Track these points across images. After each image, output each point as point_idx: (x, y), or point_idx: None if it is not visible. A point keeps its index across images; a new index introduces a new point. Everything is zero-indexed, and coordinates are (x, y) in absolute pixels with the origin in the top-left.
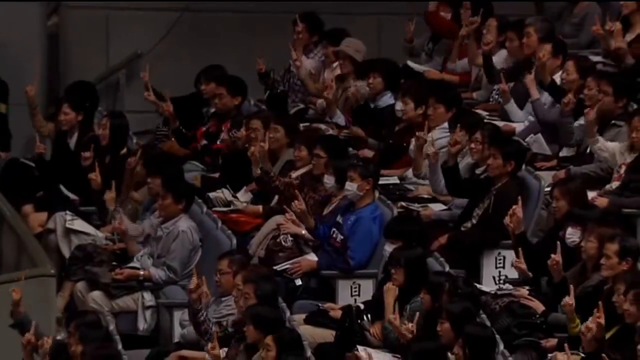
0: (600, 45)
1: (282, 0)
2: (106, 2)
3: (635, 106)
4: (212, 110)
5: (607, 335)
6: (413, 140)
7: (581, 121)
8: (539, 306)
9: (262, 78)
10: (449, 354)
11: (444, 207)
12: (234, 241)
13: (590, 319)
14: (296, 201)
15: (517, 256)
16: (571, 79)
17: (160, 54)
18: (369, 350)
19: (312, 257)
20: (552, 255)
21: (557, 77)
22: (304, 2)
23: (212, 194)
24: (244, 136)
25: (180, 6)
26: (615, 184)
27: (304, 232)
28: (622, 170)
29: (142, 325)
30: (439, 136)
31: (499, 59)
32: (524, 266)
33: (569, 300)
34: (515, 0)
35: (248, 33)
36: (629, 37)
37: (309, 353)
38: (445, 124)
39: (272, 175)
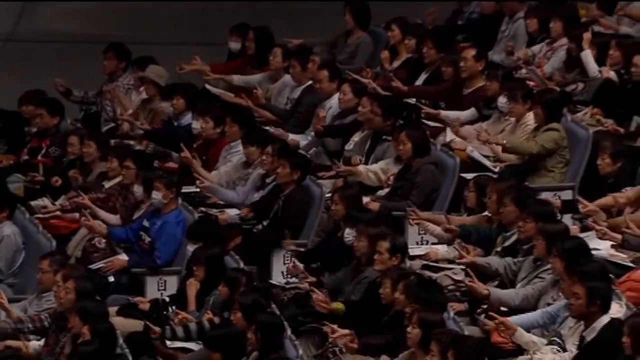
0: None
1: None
2: None
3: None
4: (34, 129)
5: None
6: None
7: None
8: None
9: (66, 96)
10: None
11: (238, 212)
12: (54, 243)
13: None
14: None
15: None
16: (347, 99)
17: None
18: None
19: (123, 257)
20: None
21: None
22: (115, 32)
23: (33, 202)
24: None
25: (4, 35)
26: (385, 191)
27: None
28: (391, 179)
29: None
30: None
31: (284, 84)
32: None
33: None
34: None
35: (66, 60)
36: (396, 63)
37: (120, 341)
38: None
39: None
